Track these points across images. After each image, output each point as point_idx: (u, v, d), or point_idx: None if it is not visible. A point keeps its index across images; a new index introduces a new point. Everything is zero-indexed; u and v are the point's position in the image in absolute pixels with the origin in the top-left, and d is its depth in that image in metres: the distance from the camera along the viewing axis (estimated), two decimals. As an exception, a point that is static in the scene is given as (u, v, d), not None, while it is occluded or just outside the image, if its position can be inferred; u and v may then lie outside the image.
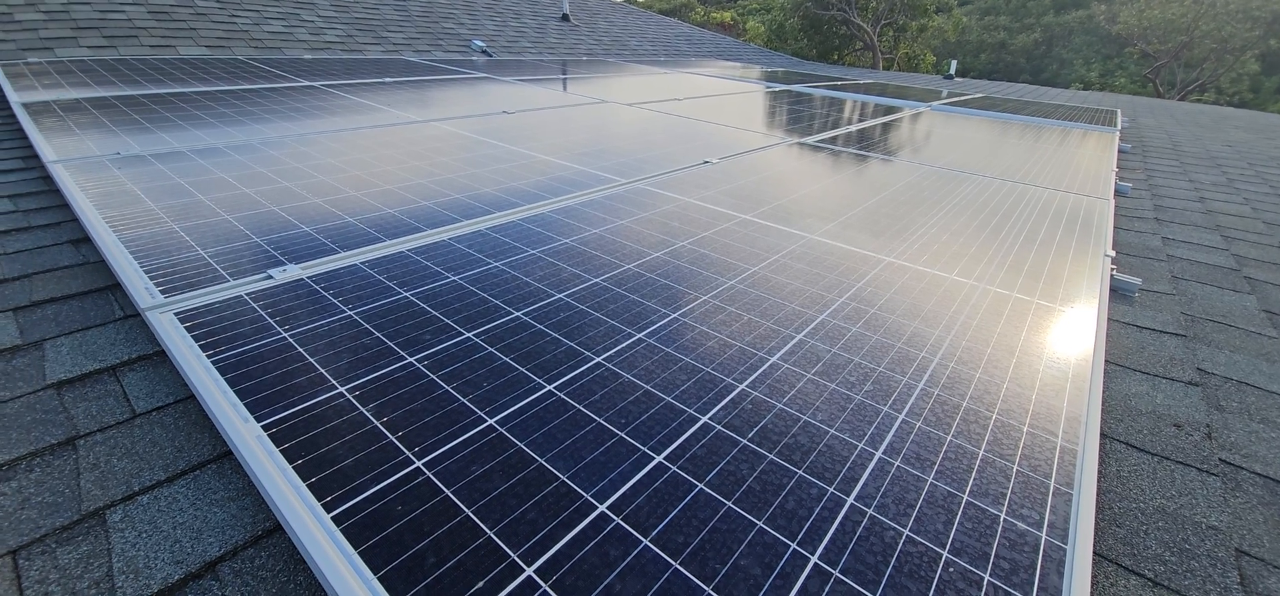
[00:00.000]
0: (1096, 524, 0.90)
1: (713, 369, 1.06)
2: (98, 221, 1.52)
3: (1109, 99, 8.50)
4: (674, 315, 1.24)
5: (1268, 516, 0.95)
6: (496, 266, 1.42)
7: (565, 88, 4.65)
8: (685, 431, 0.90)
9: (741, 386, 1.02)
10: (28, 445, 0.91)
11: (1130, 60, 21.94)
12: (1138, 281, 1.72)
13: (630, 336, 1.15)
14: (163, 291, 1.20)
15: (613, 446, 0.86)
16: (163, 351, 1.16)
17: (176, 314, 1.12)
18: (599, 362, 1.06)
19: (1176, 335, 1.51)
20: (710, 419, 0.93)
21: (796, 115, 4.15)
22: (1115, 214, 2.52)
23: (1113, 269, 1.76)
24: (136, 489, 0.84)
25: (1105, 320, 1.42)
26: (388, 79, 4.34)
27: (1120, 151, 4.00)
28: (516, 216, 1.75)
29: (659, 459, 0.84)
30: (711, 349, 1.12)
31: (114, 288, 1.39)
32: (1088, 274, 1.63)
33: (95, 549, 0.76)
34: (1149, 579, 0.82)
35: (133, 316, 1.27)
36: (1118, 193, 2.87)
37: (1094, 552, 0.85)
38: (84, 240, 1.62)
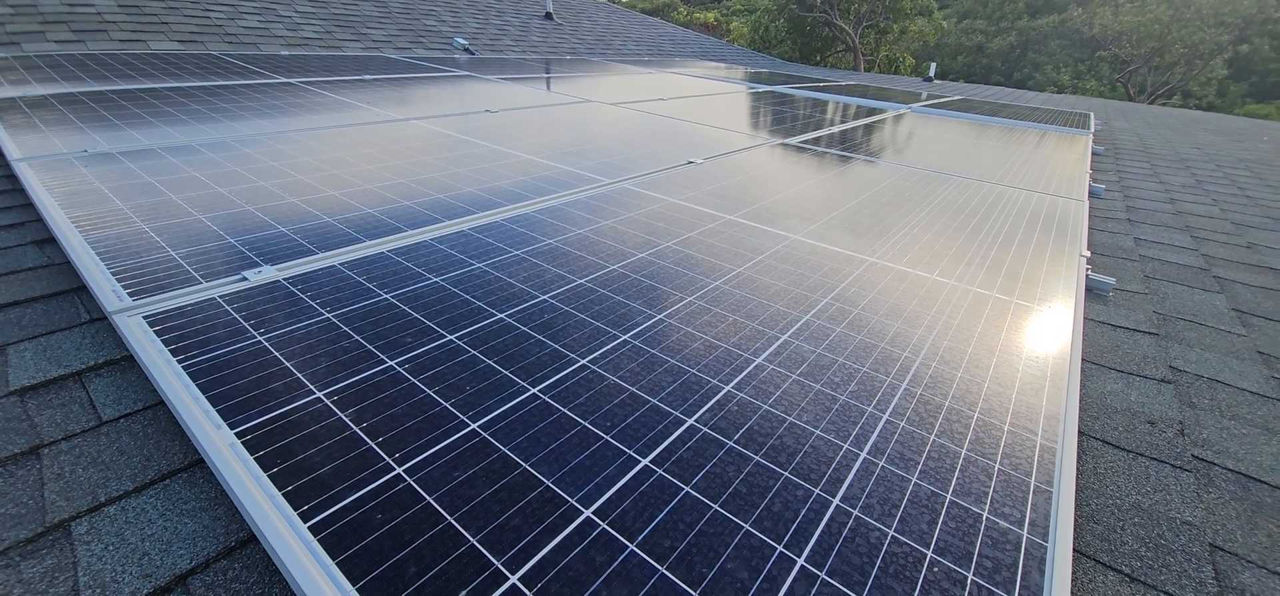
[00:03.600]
0: (1075, 521, 0.91)
1: (698, 370, 1.06)
2: (63, 221, 1.47)
3: (1082, 102, 8.70)
4: (659, 316, 1.24)
5: (1240, 511, 0.97)
6: (479, 267, 1.40)
7: (549, 86, 4.62)
8: (671, 434, 0.89)
9: (727, 388, 1.01)
10: (-13, 455, 0.87)
11: (1101, 64, 22.48)
12: (1112, 281, 1.75)
13: (615, 338, 1.14)
14: (131, 294, 1.16)
15: (598, 450, 0.85)
16: (131, 356, 1.12)
17: (145, 317, 1.09)
18: (584, 365, 1.05)
19: (1149, 333, 1.54)
20: (696, 421, 0.92)
21: (780, 116, 4.17)
22: (1089, 215, 2.58)
23: (1088, 269, 1.80)
24: (103, 499, 0.81)
25: (1082, 319, 1.44)
26: (367, 76, 4.27)
27: (1093, 154, 4.09)
28: (499, 217, 1.73)
29: (645, 462, 0.83)
30: (697, 350, 1.12)
31: (80, 290, 1.34)
32: (1064, 274, 1.66)
33: (60, 562, 0.73)
34: (1126, 574, 0.83)
35: (99, 320, 1.23)
36: (1092, 194, 2.93)
37: (1074, 549, 0.86)
38: (49, 241, 1.57)
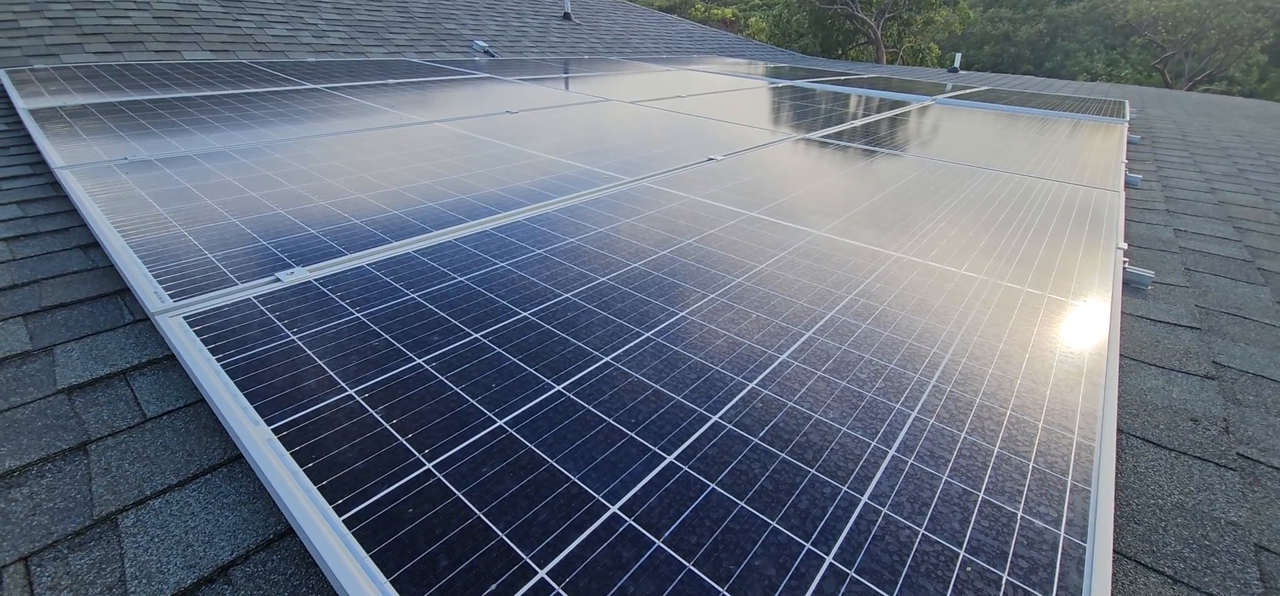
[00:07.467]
0: (1115, 521, 0.89)
1: (722, 367, 1.05)
2: (106, 226, 1.52)
3: (1116, 90, 8.43)
4: (682, 314, 1.24)
5: (1289, 511, 0.93)
6: (503, 266, 1.41)
7: (568, 86, 4.64)
8: (696, 431, 0.89)
9: (751, 385, 1.01)
10: (39, 450, 0.91)
11: (1134, 50, 21.74)
12: (1150, 274, 1.70)
13: (638, 335, 1.14)
14: (172, 295, 1.20)
15: (623, 446, 0.85)
16: (172, 355, 1.16)
17: (186, 317, 1.12)
18: (608, 362, 1.05)
19: (1191, 328, 1.49)
20: (721, 418, 0.92)
21: (801, 111, 4.13)
22: (1126, 206, 2.50)
23: (1125, 262, 1.74)
24: (148, 493, 0.84)
25: (1119, 314, 1.40)
26: (391, 80, 4.34)
27: (1129, 143, 3.96)
28: (522, 216, 1.75)
29: (670, 459, 0.83)
30: (720, 347, 1.12)
31: (123, 292, 1.39)
32: (1099, 267, 1.61)
33: (107, 553, 0.76)
34: (1169, 576, 0.81)
35: (142, 320, 1.28)
36: (1128, 184, 2.84)
37: (1113, 550, 0.84)
38: (92, 245, 1.63)
